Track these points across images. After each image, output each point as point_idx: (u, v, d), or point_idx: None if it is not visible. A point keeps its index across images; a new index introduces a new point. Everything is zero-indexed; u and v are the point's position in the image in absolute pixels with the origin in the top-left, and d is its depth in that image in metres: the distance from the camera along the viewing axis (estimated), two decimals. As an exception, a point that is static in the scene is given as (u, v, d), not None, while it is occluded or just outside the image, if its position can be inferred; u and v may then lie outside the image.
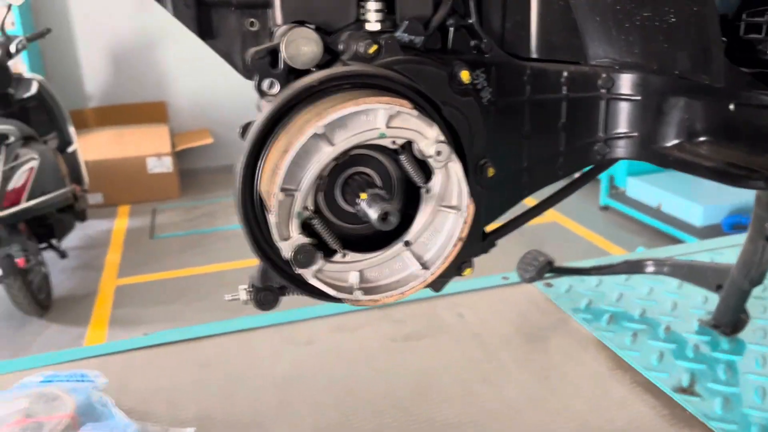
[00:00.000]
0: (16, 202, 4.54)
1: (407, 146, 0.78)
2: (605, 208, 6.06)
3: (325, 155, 0.74)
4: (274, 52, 0.82)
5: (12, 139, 4.70)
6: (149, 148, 6.63)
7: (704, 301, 1.57)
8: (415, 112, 0.75)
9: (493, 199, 1.00)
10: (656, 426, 1.17)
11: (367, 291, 0.81)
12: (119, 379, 1.33)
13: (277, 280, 0.87)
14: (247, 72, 0.90)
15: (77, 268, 5.29)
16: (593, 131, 1.03)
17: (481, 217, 0.91)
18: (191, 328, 1.50)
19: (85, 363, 1.40)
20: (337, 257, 0.79)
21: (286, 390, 1.30)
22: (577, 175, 1.13)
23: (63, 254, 5.05)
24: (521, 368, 1.35)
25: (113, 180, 6.57)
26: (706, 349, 1.39)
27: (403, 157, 0.78)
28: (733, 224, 4.95)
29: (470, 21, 0.92)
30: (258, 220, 0.79)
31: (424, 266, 0.82)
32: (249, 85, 0.83)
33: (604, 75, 1.00)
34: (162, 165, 6.60)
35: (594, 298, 1.60)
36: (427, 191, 0.80)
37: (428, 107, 0.80)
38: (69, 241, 5.43)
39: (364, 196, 0.76)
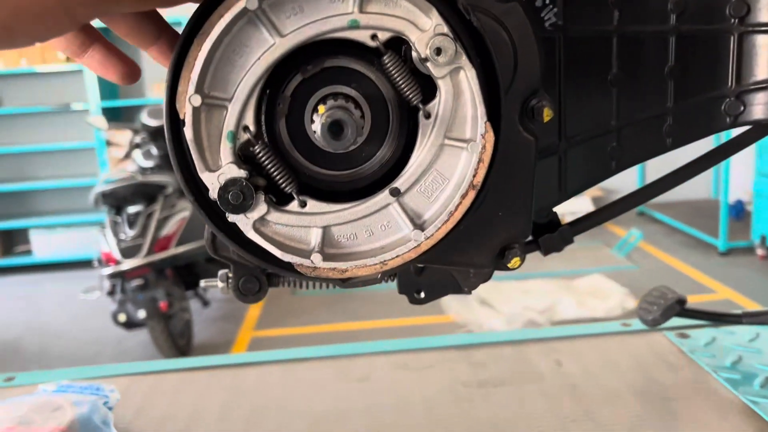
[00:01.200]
0: (166, 248, 4.73)
1: (396, 47, 0.54)
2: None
3: (271, 50, 0.52)
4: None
5: (170, 190, 4.96)
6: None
7: None
8: (400, -16, 0.51)
9: (566, 168, 0.72)
10: None
11: (334, 257, 0.56)
12: (141, 399, 1.16)
13: (233, 250, 0.65)
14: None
15: (218, 318, 5.39)
16: (719, 81, 0.73)
17: (532, 183, 0.63)
18: (235, 355, 1.30)
19: (117, 380, 1.24)
20: (293, 205, 0.55)
21: (319, 428, 1.05)
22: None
23: (206, 303, 5.18)
24: (629, 434, 0.99)
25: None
26: None
27: (387, 60, 0.53)
28: None
29: None
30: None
31: (419, 227, 0.56)
32: None
33: (732, -3, 0.70)
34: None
35: (745, 354, 1.19)
36: (427, 115, 0.55)
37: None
38: (214, 292, 5.58)
39: (322, 109, 0.53)
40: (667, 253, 6.33)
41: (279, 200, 0.56)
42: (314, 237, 0.56)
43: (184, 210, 4.98)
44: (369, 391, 1.15)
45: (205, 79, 0.52)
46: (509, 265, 0.66)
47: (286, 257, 0.55)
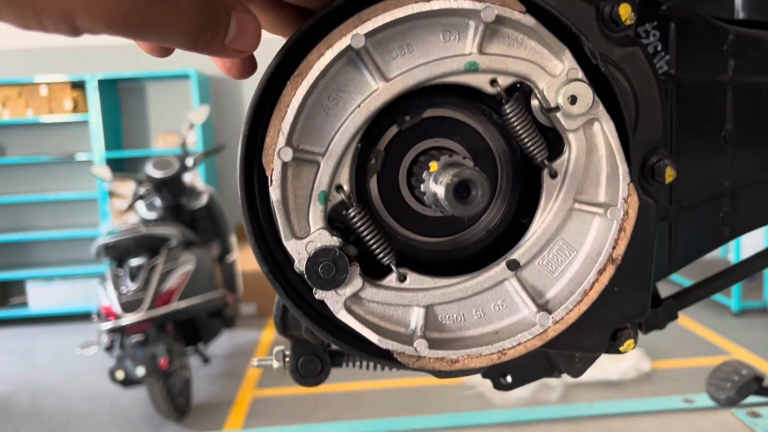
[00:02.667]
0: (168, 302, 4.60)
1: (517, 91, 0.45)
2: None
3: (373, 96, 0.43)
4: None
5: (174, 242, 4.87)
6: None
7: None
8: (530, 20, 0.43)
9: (676, 236, 0.63)
10: None
11: (439, 344, 0.46)
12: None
13: (306, 325, 0.55)
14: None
15: (219, 375, 5.22)
16: (843, 138, 0.64)
17: (653, 253, 0.54)
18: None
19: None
20: (390, 279, 0.46)
21: None
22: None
23: (207, 359, 5.02)
24: None
25: (268, 292, 6.62)
26: None
27: (509, 109, 0.45)
28: None
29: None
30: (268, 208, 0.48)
31: (543, 308, 0.46)
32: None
33: None
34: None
35: (829, 439, 1.09)
36: (553, 175, 0.46)
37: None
38: (215, 348, 5.42)
39: (434, 166, 0.44)
40: (680, 313, 6.20)
41: (372, 274, 0.47)
42: (414, 318, 0.46)
43: (188, 263, 4.87)
44: None
45: (295, 130, 0.43)
46: (621, 349, 0.56)
47: (385, 344, 0.45)
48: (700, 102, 0.62)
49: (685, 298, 0.68)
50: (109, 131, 7.23)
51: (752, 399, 1.19)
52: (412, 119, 0.47)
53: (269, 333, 6.19)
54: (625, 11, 0.53)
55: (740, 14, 0.65)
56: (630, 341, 0.56)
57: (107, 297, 4.49)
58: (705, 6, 0.63)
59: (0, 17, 0.34)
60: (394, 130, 0.48)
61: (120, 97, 7.60)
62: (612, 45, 0.54)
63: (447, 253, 0.50)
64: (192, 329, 4.90)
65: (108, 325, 4.36)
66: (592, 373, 4.83)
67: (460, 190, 0.40)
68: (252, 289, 6.40)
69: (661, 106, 0.55)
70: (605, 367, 4.81)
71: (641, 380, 4.66)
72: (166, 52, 0.49)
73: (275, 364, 0.65)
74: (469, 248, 0.50)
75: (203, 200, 5.61)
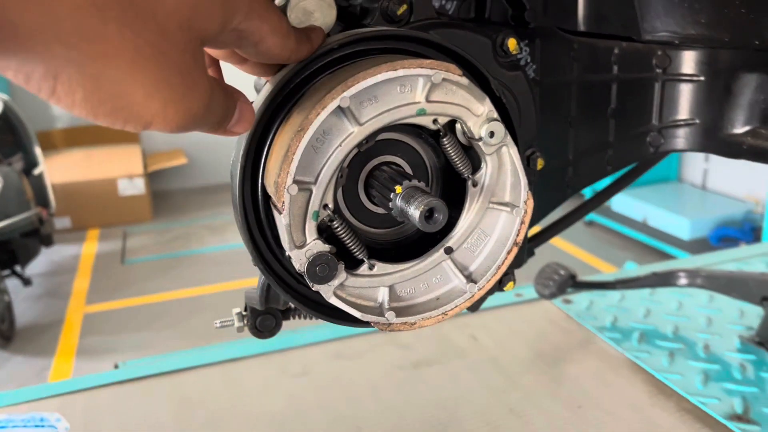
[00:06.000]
0: (-23, 226, 4.29)
1: (449, 126, 0.61)
2: (590, 223, 5.95)
3: (350, 137, 0.57)
4: (277, 16, 0.65)
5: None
6: (120, 169, 6.39)
7: (740, 316, 1.42)
8: (464, 80, 0.58)
9: (535, 198, 0.84)
10: (716, 462, 1.01)
11: (399, 311, 0.64)
12: (84, 422, 1.14)
13: (284, 300, 0.70)
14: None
15: (42, 295, 5.01)
16: (646, 118, 0.88)
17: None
18: (168, 358, 1.30)
19: (45, 403, 1.20)
20: (363, 269, 0.62)
21: (280, 429, 1.11)
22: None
23: (27, 281, 4.79)
24: (550, 397, 1.18)
25: (82, 203, 6.30)
26: (754, 369, 1.23)
27: (446, 141, 0.61)
28: (720, 237, 4.87)
29: (511, -17, 0.76)
30: (261, 223, 0.62)
31: (470, 279, 0.65)
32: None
33: (659, 52, 0.86)
34: (133, 187, 6.36)
35: (619, 314, 1.44)
36: (474, 184, 0.63)
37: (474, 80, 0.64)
38: (34, 268, 5.17)
39: (399, 189, 0.59)
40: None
41: (348, 265, 0.62)
42: (381, 295, 0.63)
43: (-7, 183, 4.51)
44: (315, 386, 1.23)
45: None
46: (505, 289, 0.77)
47: (366, 318, 0.62)
48: (554, 98, 0.82)
49: (539, 238, 0.91)
50: None
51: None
52: (369, 143, 0.62)
53: (90, 246, 5.98)
54: (512, 44, 0.71)
55: (582, 27, 0.84)
56: (511, 283, 0.77)
57: None
58: (558, 22, 0.82)
59: (96, 119, 0.44)
60: (355, 150, 0.62)
61: None
62: (503, 69, 0.71)
63: (394, 241, 0.67)
64: (6, 252, 4.62)
65: None
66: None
67: (430, 213, 0.56)
68: (64, 201, 6.04)
69: (536, 114, 0.74)
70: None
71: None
72: None
73: (236, 323, 0.79)
74: (411, 236, 0.67)
75: (-4, 110, 5.12)
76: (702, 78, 0.85)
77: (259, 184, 0.60)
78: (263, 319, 0.78)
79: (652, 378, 1.22)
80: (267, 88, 0.60)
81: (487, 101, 0.60)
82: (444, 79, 0.58)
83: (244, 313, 0.79)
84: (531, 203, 0.65)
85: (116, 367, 1.36)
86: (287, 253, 0.58)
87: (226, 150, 7.35)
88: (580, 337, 1.37)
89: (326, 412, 1.15)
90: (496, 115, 0.61)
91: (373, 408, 1.16)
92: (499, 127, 0.61)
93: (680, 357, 1.28)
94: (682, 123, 0.88)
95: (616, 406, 1.15)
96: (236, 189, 0.60)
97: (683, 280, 1.38)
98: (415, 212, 0.56)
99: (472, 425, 1.11)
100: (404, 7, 0.66)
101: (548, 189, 0.86)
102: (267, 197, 0.60)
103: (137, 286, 5.09)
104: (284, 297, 0.63)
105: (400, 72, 0.56)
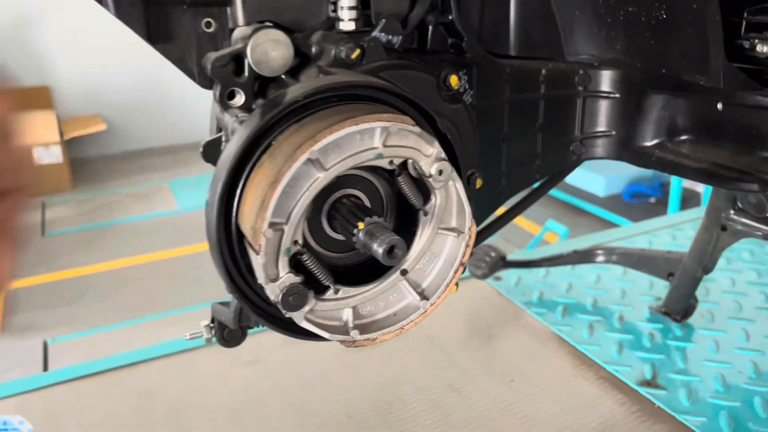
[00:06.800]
0: None
1: (402, 164, 0.69)
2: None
3: (317, 182, 0.64)
4: (238, 58, 0.71)
5: None
6: (34, 137, 6.13)
7: (650, 287, 1.58)
8: (417, 129, 0.66)
9: (474, 206, 0.93)
10: (630, 424, 1.15)
11: (362, 328, 0.72)
12: (45, 422, 1.18)
13: (255, 321, 0.77)
14: (204, 80, 0.78)
15: (-41, 272, 4.81)
16: (569, 131, 0.98)
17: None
18: (125, 354, 1.35)
19: (2, 404, 1.23)
20: (329, 294, 0.69)
21: (239, 418, 1.19)
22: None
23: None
24: (485, 372, 1.30)
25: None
26: (661, 337, 1.39)
27: (400, 179, 0.69)
28: (633, 193, 5.17)
29: (450, 17, 0.83)
30: (235, 257, 0.68)
31: (423, 296, 0.74)
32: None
33: (581, 71, 0.95)
34: (50, 155, 6.13)
35: (544, 289, 1.57)
36: (425, 213, 0.71)
37: (423, 121, 0.71)
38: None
39: (362, 225, 0.67)
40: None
41: (315, 289, 0.69)
42: (346, 315, 0.71)
43: None
44: (267, 373, 1.31)
45: (270, 214, 0.63)
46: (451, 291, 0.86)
47: (333, 338, 0.69)
48: (490, 118, 0.91)
49: (486, 233, 1.01)
50: None
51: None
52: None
53: None
54: (454, 80, 0.78)
55: (513, 52, 0.93)
56: (453, 287, 0.86)
57: None
58: (492, 48, 0.90)
59: None
60: (316, 186, 0.68)
61: None
62: (446, 103, 0.79)
63: (353, 264, 0.75)
64: None
65: None
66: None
67: (391, 249, 0.64)
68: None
69: (474, 138, 0.82)
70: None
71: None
72: None
73: (205, 335, 0.85)
74: (369, 258, 0.75)
75: None
76: (617, 95, 0.95)
77: (233, 223, 0.66)
78: (230, 332, 0.85)
79: (575, 350, 1.35)
80: (238, 136, 0.65)
81: (436, 143, 0.68)
82: (399, 129, 0.65)
83: (211, 325, 0.85)
84: (474, 229, 0.73)
85: (45, 344, 1.39)
86: (264, 287, 0.65)
87: (146, 115, 7.16)
88: (511, 313, 1.49)
89: (279, 399, 1.24)
90: (443, 155, 0.69)
91: (324, 392, 1.25)
92: (447, 166, 0.69)
93: (599, 328, 1.42)
94: (600, 134, 0.98)
95: (544, 378, 1.28)
96: (212, 230, 0.66)
97: (601, 258, 1.52)
98: (378, 249, 0.64)
99: (415, 403, 1.22)
100: (357, 51, 0.72)
101: (485, 198, 0.95)
102: (240, 235, 0.67)
103: (61, 259, 4.97)
104: (257, 320, 0.70)
105: (362, 126, 0.63)
